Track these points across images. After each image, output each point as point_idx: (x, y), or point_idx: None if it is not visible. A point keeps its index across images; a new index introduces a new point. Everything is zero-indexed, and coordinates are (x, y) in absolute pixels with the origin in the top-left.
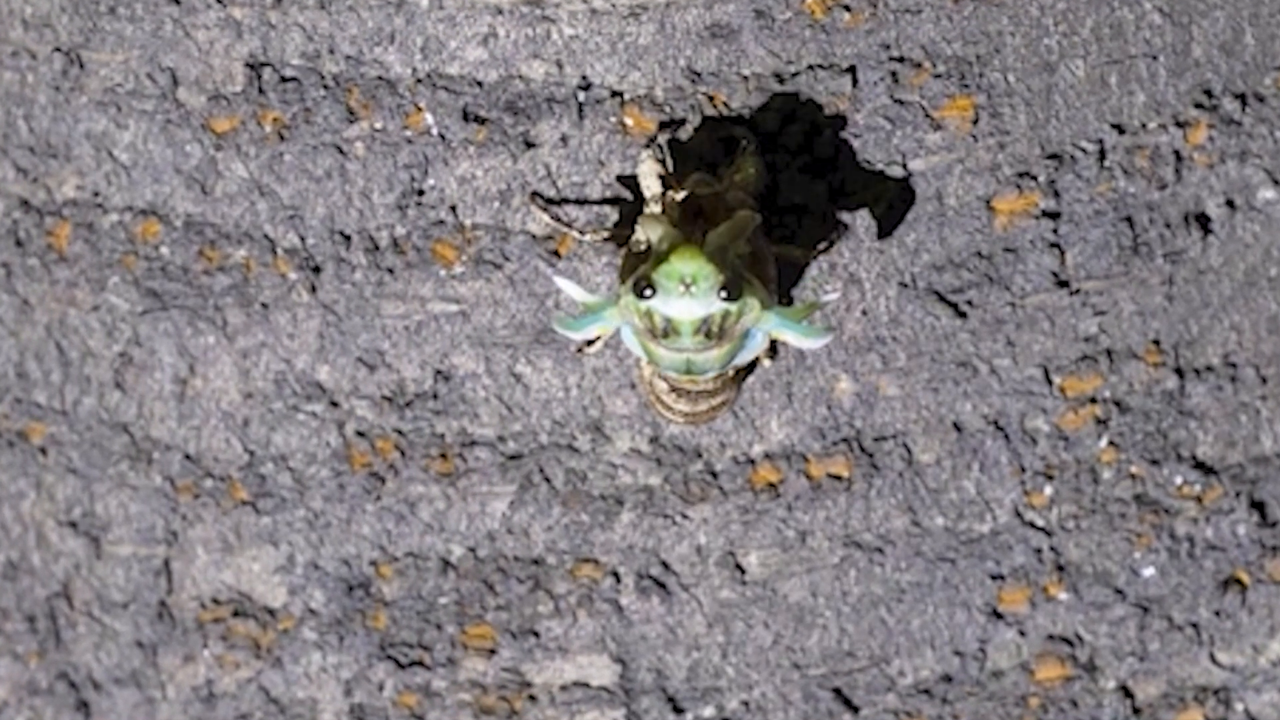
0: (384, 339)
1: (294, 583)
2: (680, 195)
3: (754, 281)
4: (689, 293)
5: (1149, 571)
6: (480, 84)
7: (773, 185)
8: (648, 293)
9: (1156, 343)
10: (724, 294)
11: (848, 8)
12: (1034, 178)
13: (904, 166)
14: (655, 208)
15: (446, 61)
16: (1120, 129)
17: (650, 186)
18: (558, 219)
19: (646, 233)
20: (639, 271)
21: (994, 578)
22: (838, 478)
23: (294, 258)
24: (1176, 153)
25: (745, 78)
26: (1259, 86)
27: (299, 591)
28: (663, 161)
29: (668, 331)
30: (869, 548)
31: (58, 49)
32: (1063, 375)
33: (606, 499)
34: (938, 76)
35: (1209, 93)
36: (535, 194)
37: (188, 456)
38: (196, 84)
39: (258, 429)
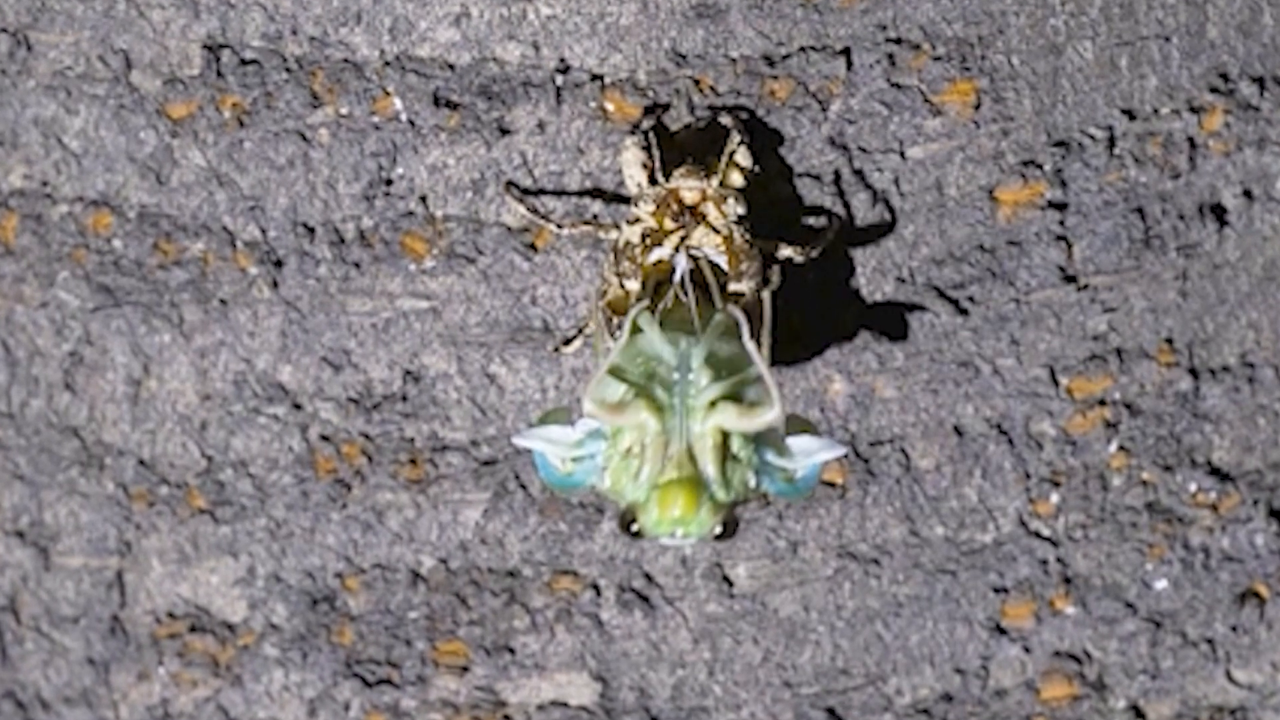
0: (350, 337)
1: (255, 596)
2: (666, 188)
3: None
4: (682, 537)
5: (1161, 584)
6: (452, 67)
7: (762, 176)
8: (634, 529)
9: (1169, 341)
10: (720, 530)
11: None
12: (1039, 166)
13: (902, 154)
14: (641, 208)
15: (416, 43)
16: (1131, 114)
17: (633, 177)
18: (534, 210)
19: (616, 416)
20: (626, 506)
21: (997, 590)
22: (831, 485)
23: (255, 251)
24: (1190, 140)
25: (733, 60)
26: (1278, 70)
27: (260, 605)
28: (647, 150)
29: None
30: (864, 559)
31: (3, 29)
32: (1070, 376)
33: (586, 507)
34: (937, 59)
35: (1225, 76)
36: (510, 184)
37: (142, 462)
38: (151, 67)
39: (216, 433)
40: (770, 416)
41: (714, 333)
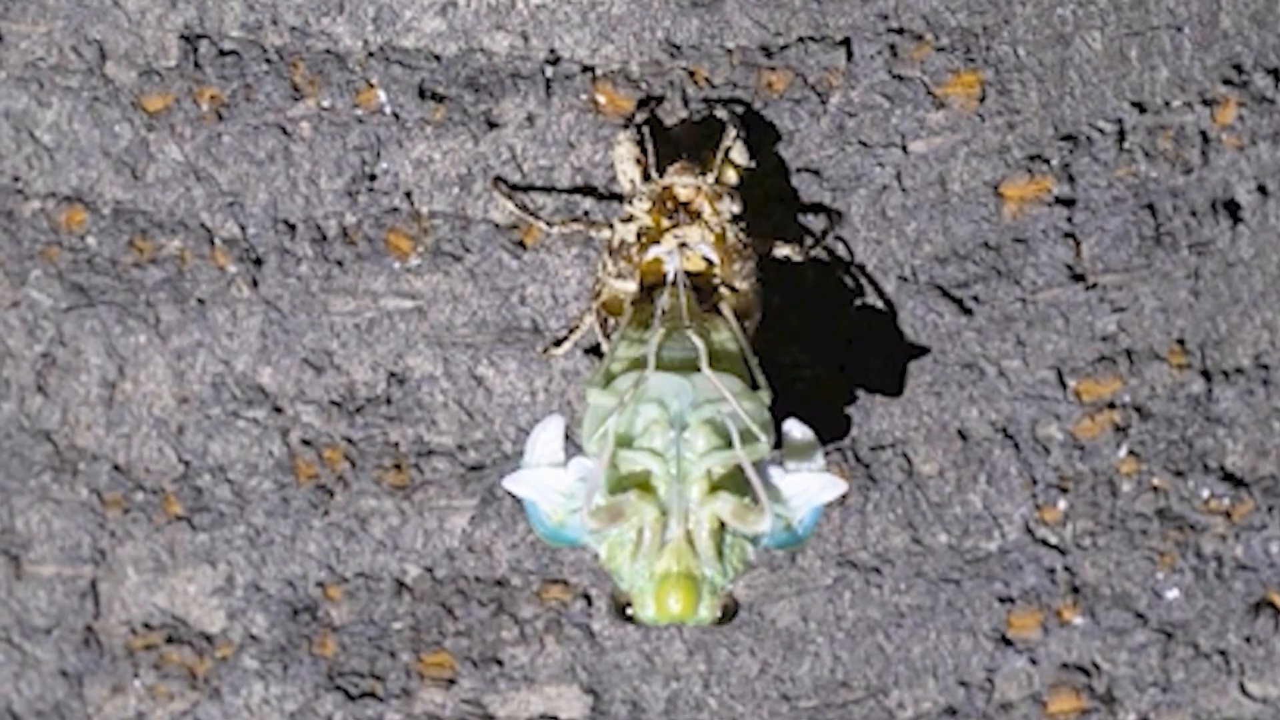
0: (332, 338)
1: (233, 606)
2: (660, 185)
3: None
4: (679, 624)
5: (1173, 593)
6: (438, 58)
7: (759, 171)
8: (628, 614)
9: (1181, 342)
10: (720, 616)
11: None
12: (1046, 161)
13: (904, 149)
14: (636, 205)
15: (401, 33)
16: (1141, 107)
17: (626, 173)
18: (523, 207)
19: (610, 521)
20: (620, 593)
21: (1003, 600)
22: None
23: (233, 249)
24: (1203, 133)
25: (729, 51)
26: None
27: (239, 615)
28: (640, 144)
29: None
30: (865, 567)
31: None
32: (1078, 378)
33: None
34: (941, 49)
35: (1239, 68)
36: (498, 179)
37: (117, 467)
38: (126, 58)
39: (194, 437)
40: (764, 525)
41: (706, 391)
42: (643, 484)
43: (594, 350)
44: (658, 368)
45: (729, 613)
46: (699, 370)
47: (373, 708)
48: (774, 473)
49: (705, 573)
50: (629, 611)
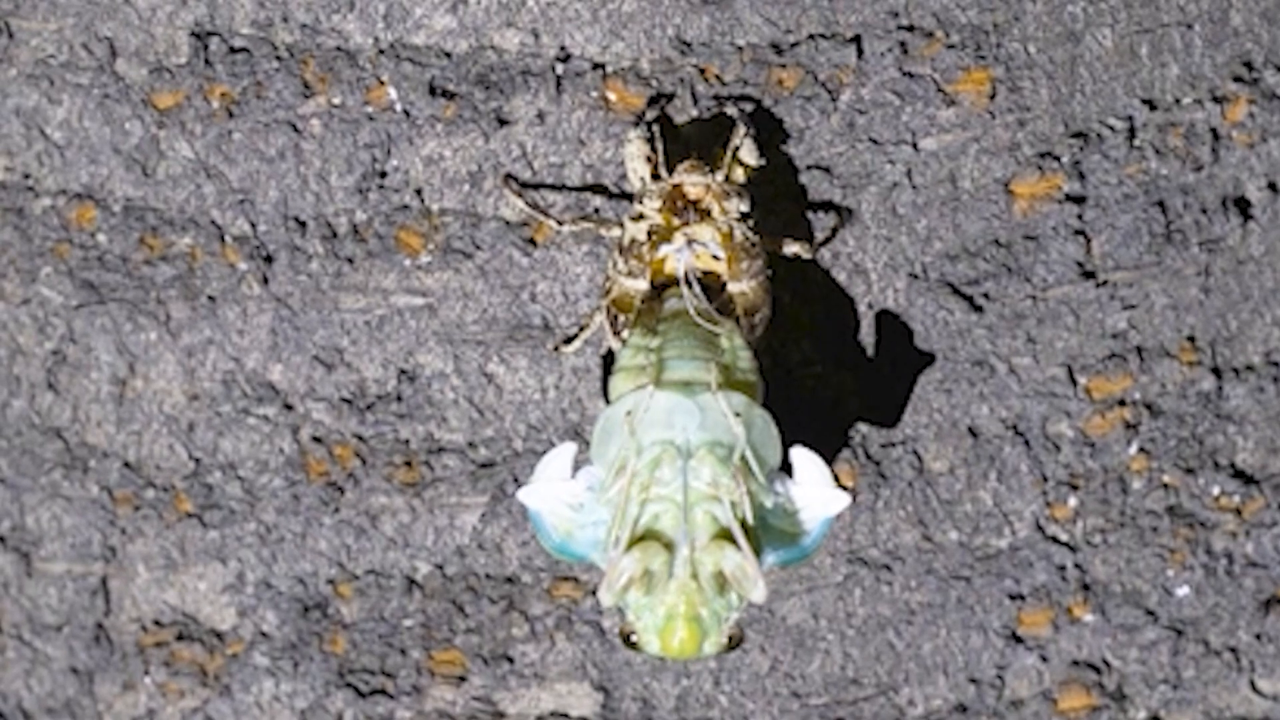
0: (343, 335)
1: (244, 603)
2: (670, 183)
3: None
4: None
5: (1183, 590)
6: (449, 55)
7: (770, 169)
8: (634, 643)
9: (1191, 339)
10: (726, 644)
11: None
12: (1057, 158)
13: (914, 146)
14: (647, 204)
15: (412, 30)
16: (1151, 105)
17: (636, 171)
18: (533, 204)
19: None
20: (625, 626)
21: (1013, 597)
22: (842, 488)
23: (244, 246)
24: (1213, 130)
25: (740, 48)
26: None
27: (249, 613)
28: (650, 142)
29: None
30: (876, 565)
31: None
32: (1088, 375)
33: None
34: (951, 47)
35: (1249, 65)
36: (509, 176)
37: (127, 464)
38: (137, 55)
39: (204, 434)
40: (759, 595)
41: (713, 414)
42: (649, 530)
43: (606, 352)
44: (664, 388)
45: (735, 641)
46: (706, 389)
47: (383, 705)
48: (780, 487)
49: (711, 607)
50: (633, 639)
